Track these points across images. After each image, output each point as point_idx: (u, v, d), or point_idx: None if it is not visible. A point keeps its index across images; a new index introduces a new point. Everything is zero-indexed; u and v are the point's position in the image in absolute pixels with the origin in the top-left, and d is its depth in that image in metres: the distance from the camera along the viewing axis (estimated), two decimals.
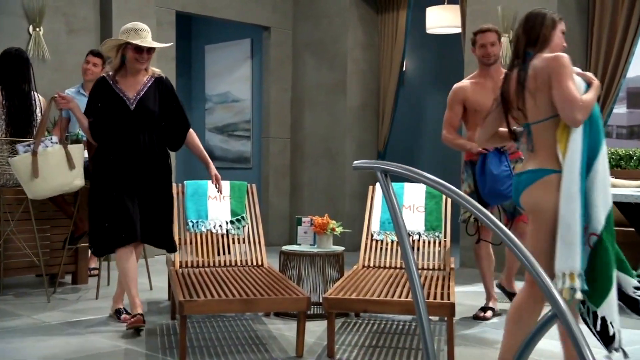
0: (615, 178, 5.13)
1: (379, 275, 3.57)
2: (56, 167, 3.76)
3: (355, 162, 2.33)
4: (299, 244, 3.96)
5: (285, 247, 3.91)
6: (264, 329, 3.51)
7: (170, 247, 3.58)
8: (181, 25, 7.54)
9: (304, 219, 3.98)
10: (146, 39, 3.39)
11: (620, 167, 5.75)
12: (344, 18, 6.77)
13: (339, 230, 3.88)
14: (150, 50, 3.44)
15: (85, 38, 5.97)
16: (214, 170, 3.63)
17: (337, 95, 6.87)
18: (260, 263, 3.77)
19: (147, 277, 4.66)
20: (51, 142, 3.72)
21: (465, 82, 3.79)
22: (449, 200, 4.12)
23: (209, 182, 4.17)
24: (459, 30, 6.19)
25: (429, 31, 6.49)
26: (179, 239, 3.92)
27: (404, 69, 6.92)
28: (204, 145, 8.33)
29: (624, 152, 5.80)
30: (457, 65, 6.53)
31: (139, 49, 3.39)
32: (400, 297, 3.03)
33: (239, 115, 8.09)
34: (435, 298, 3.03)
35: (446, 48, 7.30)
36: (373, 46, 6.93)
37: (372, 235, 3.95)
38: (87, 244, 4.68)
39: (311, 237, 3.93)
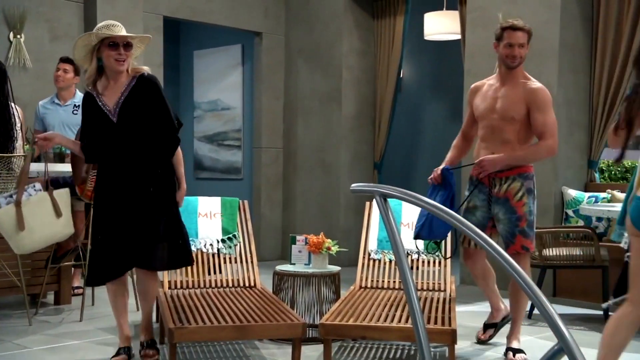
0: (622, 192, 5.16)
1: (377, 297, 3.55)
2: (42, 217, 3.57)
3: (352, 185, 2.32)
4: (293, 263, 3.95)
5: (279, 267, 3.89)
6: (257, 354, 3.49)
7: (186, 262, 3.26)
8: (169, 30, 7.53)
9: (298, 238, 3.96)
10: (120, 32, 3.07)
11: (627, 180, 5.77)
12: (339, 23, 6.77)
13: (334, 249, 3.87)
14: (128, 45, 3.07)
15: (68, 45, 5.92)
16: (180, 197, 3.26)
17: (332, 103, 6.87)
18: (252, 284, 3.75)
19: (133, 294, 4.62)
20: (34, 190, 3.51)
21: (481, 82, 3.59)
22: None
23: (199, 198, 4.15)
24: (458, 36, 6.21)
25: (427, 37, 6.50)
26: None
27: (401, 77, 6.93)
28: (192, 155, 8.39)
29: (630, 164, 5.82)
30: (457, 73, 6.55)
31: (114, 45, 3.03)
32: (400, 321, 3.02)
33: (229, 124, 8.08)
34: (435, 323, 3.02)
35: (445, 55, 7.32)
36: (369, 53, 6.94)
37: (369, 254, 3.94)
38: (71, 263, 4.67)
39: (306, 257, 3.91)
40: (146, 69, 3.19)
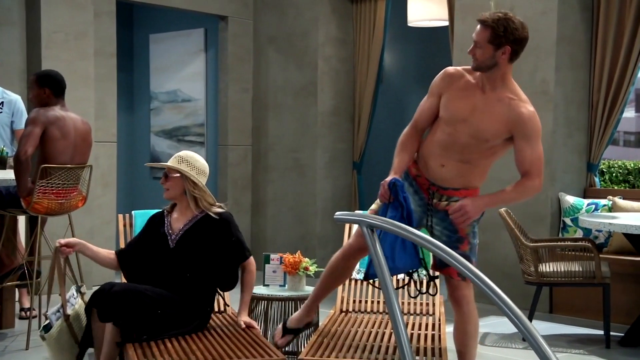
0: (623, 199, 5.28)
1: (360, 323, 3.59)
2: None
3: (337, 214, 2.35)
4: (267, 285, 3.97)
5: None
6: None
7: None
8: (122, 12, 7.45)
9: (272, 256, 3.99)
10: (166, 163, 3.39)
11: (629, 182, 5.90)
12: (314, 9, 6.78)
13: (312, 269, 3.90)
14: (168, 176, 3.38)
15: (8, 32, 5.86)
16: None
17: (307, 98, 6.88)
18: (222, 309, 3.76)
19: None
20: (74, 297, 3.47)
21: (458, 71, 3.11)
22: None
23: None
24: (446, 23, 6.26)
25: (410, 24, 6.54)
26: (120, 282, 3.87)
27: (382, 68, 6.97)
28: (148, 151, 8.35)
29: (632, 165, 5.94)
30: (444, 63, 6.58)
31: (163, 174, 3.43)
32: (386, 354, 3.07)
33: (191, 118, 8.04)
34: (425, 355, 3.07)
35: (431, 44, 7.37)
36: (347, 41, 6.96)
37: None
38: (15, 283, 4.63)
39: (281, 277, 3.94)
40: (217, 210, 3.38)
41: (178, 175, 3.36)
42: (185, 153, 3.44)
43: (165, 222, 3.44)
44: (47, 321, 3.45)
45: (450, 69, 3.15)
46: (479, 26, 2.96)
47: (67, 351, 3.36)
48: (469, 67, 3.05)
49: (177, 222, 3.41)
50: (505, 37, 2.90)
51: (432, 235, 3.08)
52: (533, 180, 3.01)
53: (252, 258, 3.45)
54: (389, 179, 3.00)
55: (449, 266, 2.95)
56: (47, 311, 3.56)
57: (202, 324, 3.34)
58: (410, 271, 3.16)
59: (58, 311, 3.46)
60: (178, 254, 3.35)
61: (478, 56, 2.94)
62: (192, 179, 3.35)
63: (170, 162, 3.39)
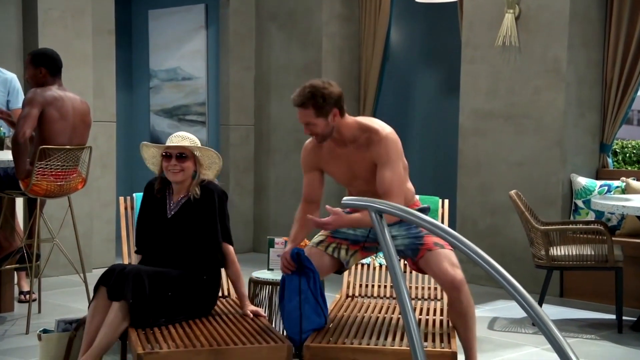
0: (637, 180, 5.28)
1: (367, 308, 3.61)
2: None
3: (344, 198, 2.36)
4: (271, 269, 3.98)
5: (256, 274, 3.93)
6: None
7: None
8: None
9: (276, 240, 4.00)
10: (177, 143, 3.37)
11: None
12: None
13: None
14: (183, 156, 3.37)
15: (4, 10, 5.84)
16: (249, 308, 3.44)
17: (310, 77, 6.78)
18: (226, 293, 3.78)
19: (86, 299, 4.63)
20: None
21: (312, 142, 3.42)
22: (446, 208, 4.17)
23: None
24: None
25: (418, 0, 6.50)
26: (130, 264, 3.90)
27: (389, 46, 6.94)
28: (148, 131, 8.34)
29: None
30: (453, 40, 6.58)
31: (167, 156, 3.39)
32: (394, 340, 3.08)
33: (192, 96, 8.03)
34: (433, 340, 3.09)
35: (439, 20, 7.33)
36: (352, 19, 6.93)
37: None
38: (14, 266, 4.65)
39: None
40: (207, 179, 3.48)
41: (190, 155, 3.40)
42: (185, 133, 3.48)
43: (167, 190, 3.51)
44: (55, 327, 3.51)
45: (308, 143, 3.45)
46: (298, 109, 3.20)
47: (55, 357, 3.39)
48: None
49: (177, 194, 3.49)
50: (327, 103, 3.17)
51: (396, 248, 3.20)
52: (392, 200, 3.08)
53: (231, 247, 3.48)
54: (288, 249, 3.27)
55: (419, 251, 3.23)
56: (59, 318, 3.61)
57: (210, 305, 3.39)
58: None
59: (70, 324, 3.50)
60: (175, 224, 3.43)
61: (319, 132, 3.21)
62: (206, 159, 3.44)
63: (184, 142, 3.40)
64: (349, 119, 3.29)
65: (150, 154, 3.50)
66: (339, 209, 3.18)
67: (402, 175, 3.28)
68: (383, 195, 3.14)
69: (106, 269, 3.32)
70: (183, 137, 3.42)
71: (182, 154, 3.38)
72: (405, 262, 3.48)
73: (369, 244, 3.41)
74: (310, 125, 3.20)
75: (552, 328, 1.66)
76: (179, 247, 3.44)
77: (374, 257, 3.98)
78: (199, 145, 3.46)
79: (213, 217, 3.43)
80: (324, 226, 3.26)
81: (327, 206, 3.28)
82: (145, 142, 3.50)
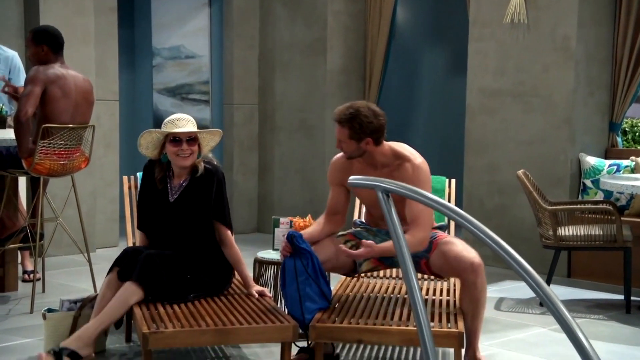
0: None
1: (373, 289, 3.62)
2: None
3: (350, 178, 2.36)
4: (276, 249, 3.99)
5: (261, 254, 3.94)
6: (238, 354, 3.56)
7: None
8: None
9: (282, 220, 4.00)
10: (184, 127, 3.40)
11: None
12: None
13: None
14: (192, 140, 3.42)
15: None
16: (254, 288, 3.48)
17: (315, 56, 6.84)
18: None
19: (90, 278, 4.65)
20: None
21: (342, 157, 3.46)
22: (452, 188, 4.17)
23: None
24: None
25: None
26: (134, 244, 3.92)
27: (395, 24, 6.90)
28: (151, 110, 8.34)
29: None
30: (460, 18, 6.54)
31: (176, 140, 3.39)
32: (400, 319, 3.09)
33: (195, 75, 8.01)
34: (440, 321, 3.10)
35: None
36: None
37: (355, 224, 3.98)
38: (18, 245, 4.67)
39: None
40: (208, 159, 3.53)
41: (197, 138, 3.45)
42: (186, 115, 3.51)
43: (168, 173, 3.54)
44: (59, 306, 3.54)
45: (337, 158, 3.48)
46: (337, 125, 3.26)
47: (60, 339, 3.41)
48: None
49: (178, 177, 3.52)
50: (363, 131, 3.21)
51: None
52: (419, 230, 3.18)
53: (228, 231, 3.50)
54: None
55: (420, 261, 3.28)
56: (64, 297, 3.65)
57: (226, 283, 3.47)
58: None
59: (74, 303, 3.52)
60: (178, 208, 3.47)
61: (345, 149, 3.30)
62: (210, 141, 3.52)
63: (191, 127, 3.44)
64: (384, 145, 3.33)
65: (149, 140, 3.48)
66: (371, 242, 3.20)
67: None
68: (411, 223, 3.19)
69: (117, 249, 3.38)
70: (188, 120, 3.45)
71: (191, 138, 3.42)
72: (421, 271, 3.44)
73: None
74: (342, 143, 3.29)
75: (561, 308, 1.66)
76: (182, 230, 3.47)
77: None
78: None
79: (209, 201, 3.47)
80: (355, 257, 3.28)
81: (359, 245, 3.29)
82: (149, 129, 3.50)
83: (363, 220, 3.71)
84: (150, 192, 3.56)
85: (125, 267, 3.28)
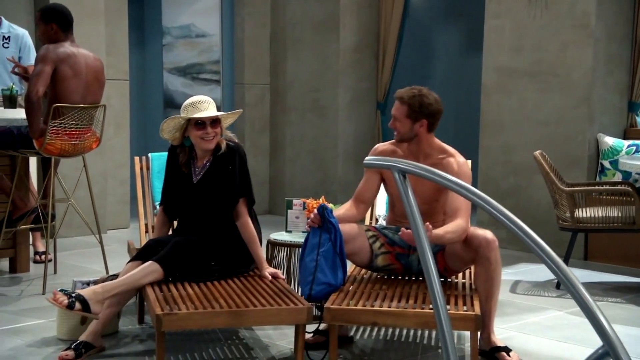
0: None
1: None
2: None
3: (366, 158, 2.34)
4: (289, 231, 3.99)
5: (273, 236, 3.94)
6: (251, 336, 3.58)
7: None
8: None
9: (295, 202, 4.00)
10: (207, 109, 3.44)
11: None
12: None
13: None
14: (216, 121, 3.46)
15: None
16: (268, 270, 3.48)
17: (328, 33, 6.80)
18: None
19: (102, 260, 4.67)
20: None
21: (386, 147, 3.53)
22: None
23: None
24: None
25: None
26: (146, 225, 3.93)
27: (409, 1, 6.84)
28: (161, 90, 8.33)
29: None
30: None
31: (201, 124, 3.43)
32: (415, 303, 3.09)
33: (206, 54, 7.98)
34: (456, 304, 3.09)
35: None
36: None
37: (377, 220, 3.99)
38: (30, 226, 4.69)
39: (304, 224, 3.95)
40: (229, 143, 3.55)
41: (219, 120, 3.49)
42: (206, 97, 3.53)
43: (190, 160, 3.57)
44: (72, 287, 3.57)
45: (379, 146, 3.58)
46: (396, 102, 3.38)
47: (73, 320, 3.43)
48: (388, 143, 3.52)
49: (201, 159, 3.55)
50: (421, 111, 3.33)
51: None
52: (461, 221, 3.21)
53: (245, 210, 3.51)
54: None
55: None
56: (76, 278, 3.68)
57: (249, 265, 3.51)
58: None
59: (87, 284, 3.55)
60: (201, 189, 3.51)
61: (399, 128, 3.38)
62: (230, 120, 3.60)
63: (212, 109, 3.47)
64: (434, 137, 3.44)
65: (172, 125, 3.51)
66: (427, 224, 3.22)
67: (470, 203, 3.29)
68: (452, 215, 3.25)
69: (128, 230, 3.40)
70: (209, 103, 3.49)
71: (215, 120, 3.46)
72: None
73: (400, 250, 3.44)
74: (396, 121, 3.37)
75: (582, 291, 1.66)
76: (207, 210, 3.52)
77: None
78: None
79: (232, 178, 3.50)
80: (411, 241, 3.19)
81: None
82: (173, 116, 3.53)
83: (383, 224, 3.76)
84: (175, 175, 3.61)
85: (150, 255, 3.34)
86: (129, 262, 3.44)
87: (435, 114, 3.38)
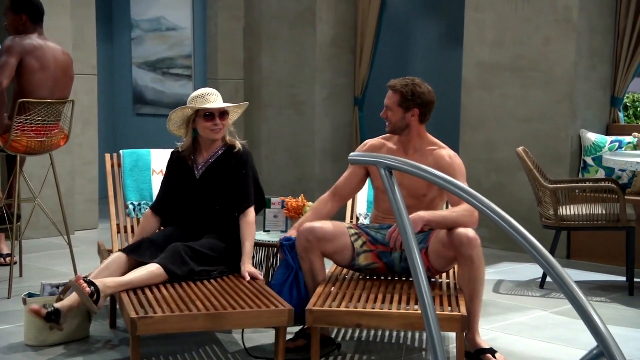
0: None
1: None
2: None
3: (351, 154, 2.32)
4: (268, 231, 3.97)
5: None
6: (230, 340, 3.55)
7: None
8: None
9: (273, 200, 3.97)
10: (215, 101, 3.55)
11: None
12: None
13: None
14: (224, 113, 3.59)
15: None
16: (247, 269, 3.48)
17: (304, 27, 6.77)
18: None
19: (70, 261, 4.59)
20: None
21: (376, 141, 3.57)
22: None
23: (152, 152, 4.11)
24: None
25: None
26: (117, 226, 3.87)
27: None
28: (130, 85, 8.26)
29: None
30: None
31: (209, 115, 3.53)
32: (399, 303, 3.08)
33: (177, 48, 7.93)
34: (441, 304, 3.08)
35: None
36: None
37: (357, 219, 3.97)
38: None
39: (283, 223, 3.93)
40: (241, 144, 3.68)
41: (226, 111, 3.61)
42: (212, 90, 3.65)
43: (188, 160, 3.65)
44: (40, 291, 3.50)
45: (369, 141, 3.61)
46: (389, 90, 3.42)
47: (41, 325, 3.37)
48: (386, 135, 3.52)
49: (202, 155, 3.65)
50: (413, 100, 3.37)
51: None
52: (466, 205, 3.23)
53: (252, 208, 3.60)
54: (290, 232, 3.49)
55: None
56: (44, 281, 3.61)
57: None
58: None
59: (56, 287, 3.48)
60: (204, 184, 3.60)
61: (390, 118, 3.42)
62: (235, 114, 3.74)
63: (220, 101, 3.58)
64: (425, 130, 3.49)
65: (180, 115, 3.58)
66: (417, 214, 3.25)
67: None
68: (457, 203, 3.30)
69: (97, 231, 3.33)
70: (217, 95, 3.60)
71: (223, 112, 3.58)
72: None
73: (382, 248, 3.43)
74: (388, 110, 3.41)
75: (576, 290, 1.65)
76: (208, 207, 3.59)
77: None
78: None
79: (237, 177, 3.60)
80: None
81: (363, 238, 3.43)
82: (182, 106, 3.59)
83: (364, 223, 3.79)
84: (175, 177, 3.67)
85: (144, 250, 3.37)
86: (118, 251, 3.44)
87: (427, 104, 3.42)
